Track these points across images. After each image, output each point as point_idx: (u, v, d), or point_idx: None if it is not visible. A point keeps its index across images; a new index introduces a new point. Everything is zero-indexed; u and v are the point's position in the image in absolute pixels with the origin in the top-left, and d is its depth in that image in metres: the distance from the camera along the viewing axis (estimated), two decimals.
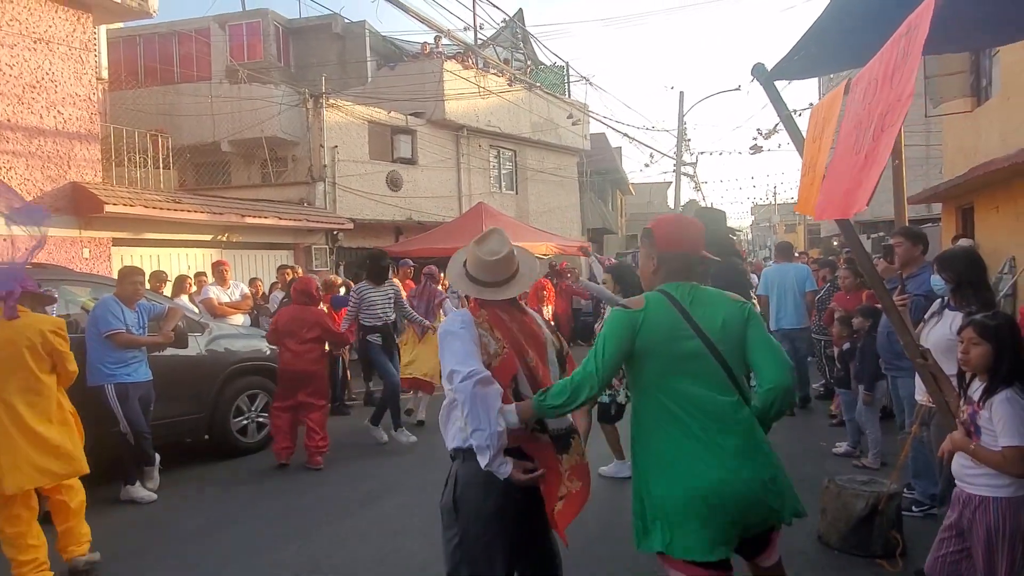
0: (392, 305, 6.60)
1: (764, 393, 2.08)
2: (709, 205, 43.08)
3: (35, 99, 8.22)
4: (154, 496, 4.97)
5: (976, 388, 2.39)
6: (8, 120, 7.92)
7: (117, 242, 9.11)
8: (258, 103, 13.04)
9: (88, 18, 8.88)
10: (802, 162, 2.58)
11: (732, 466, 1.98)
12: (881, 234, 18.03)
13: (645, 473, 2.07)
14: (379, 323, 6.47)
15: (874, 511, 3.46)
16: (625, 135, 21.53)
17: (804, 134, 2.65)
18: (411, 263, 9.78)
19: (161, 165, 10.90)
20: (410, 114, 14.77)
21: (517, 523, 2.18)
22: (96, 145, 9.04)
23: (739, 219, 68.57)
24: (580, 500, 2.23)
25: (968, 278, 3.11)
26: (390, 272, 9.38)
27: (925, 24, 1.40)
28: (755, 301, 9.31)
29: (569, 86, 20.56)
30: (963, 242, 8.77)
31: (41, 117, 8.26)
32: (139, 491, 4.93)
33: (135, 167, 10.53)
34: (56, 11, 8.47)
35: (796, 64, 2.79)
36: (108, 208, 8.38)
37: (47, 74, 8.35)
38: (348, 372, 8.48)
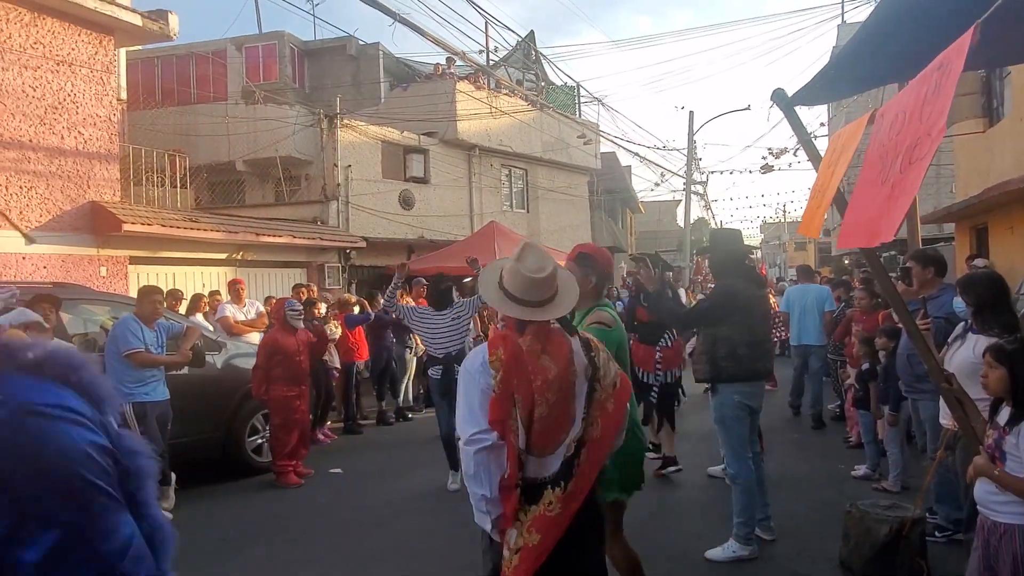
0: (460, 334, 5.65)
1: None
2: (720, 224, 43.05)
3: (57, 120, 8.38)
4: (169, 516, 4.98)
5: (1003, 413, 2.37)
6: (31, 140, 8.07)
7: (134, 260, 9.21)
8: (273, 123, 13.22)
9: (110, 41, 9.07)
10: (813, 186, 2.60)
11: None
12: (893, 253, 17.92)
13: None
14: (440, 355, 5.56)
15: (898, 536, 3.41)
16: (636, 154, 21.70)
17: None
18: (424, 281, 9.81)
19: (178, 184, 11.04)
20: (423, 134, 14.92)
21: None
22: (115, 165, 9.18)
23: (749, 238, 68.44)
24: (535, 555, 2.04)
25: (989, 301, 3.10)
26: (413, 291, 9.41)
27: (960, 61, 1.42)
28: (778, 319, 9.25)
29: (580, 106, 20.71)
30: (979, 262, 8.73)
31: (62, 138, 8.41)
32: None
33: (153, 186, 10.67)
34: (79, 34, 8.65)
35: (816, 90, 2.82)
36: (126, 227, 8.49)
37: (69, 95, 8.51)
38: (359, 390, 8.50)
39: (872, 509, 3.60)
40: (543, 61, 19.12)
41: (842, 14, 15.69)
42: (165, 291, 8.18)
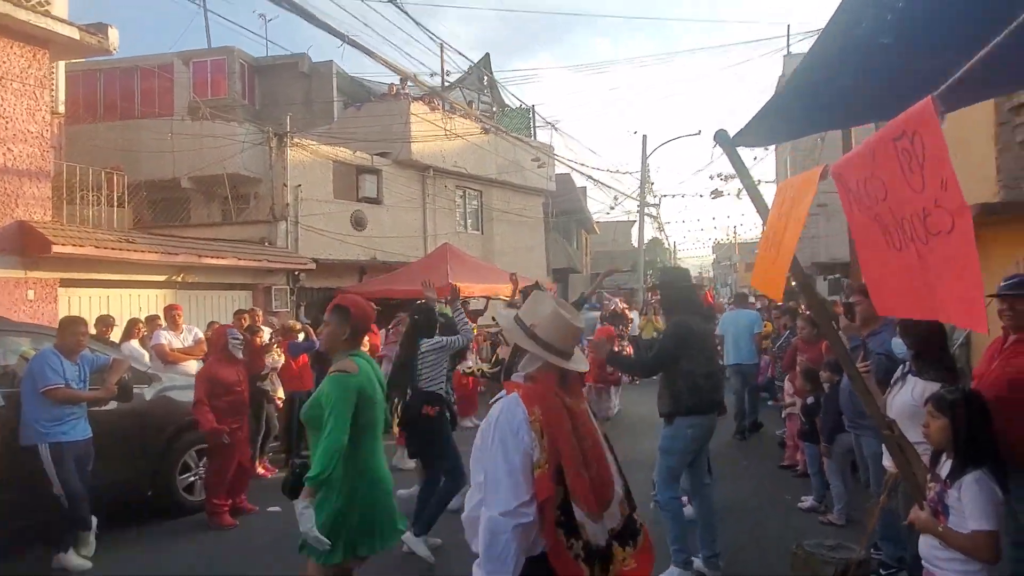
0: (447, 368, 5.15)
1: None
2: (673, 245, 43.65)
3: None
4: (88, 564, 4.62)
5: (944, 465, 2.36)
6: None
7: (65, 283, 8.73)
8: (221, 140, 12.85)
9: (44, 54, 8.65)
10: (763, 235, 2.57)
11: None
12: (838, 276, 18.50)
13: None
14: (440, 390, 4.99)
15: None
16: (590, 177, 21.91)
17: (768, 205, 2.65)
18: (375, 306, 9.60)
19: (115, 203, 10.57)
20: (376, 154, 14.73)
21: None
22: (47, 183, 8.71)
23: (701, 258, 70.02)
24: None
25: (928, 345, 3.13)
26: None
27: (933, 132, 1.41)
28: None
29: (535, 128, 20.87)
30: None
31: None
32: (72, 559, 4.58)
33: (88, 205, 10.19)
34: (11, 47, 8.23)
35: (755, 134, 2.81)
36: (56, 248, 8.04)
37: None
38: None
39: (818, 550, 3.59)
40: (497, 85, 19.22)
41: (787, 46, 16.27)
42: (97, 316, 7.80)
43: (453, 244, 13.96)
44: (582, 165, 24.32)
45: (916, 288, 1.70)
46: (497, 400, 2.04)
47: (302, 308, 12.39)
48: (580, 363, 2.07)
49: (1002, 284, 3.13)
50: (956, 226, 1.46)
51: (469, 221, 18.12)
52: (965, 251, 1.46)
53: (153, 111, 14.47)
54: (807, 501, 5.52)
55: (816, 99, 2.60)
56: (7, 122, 8.17)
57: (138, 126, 13.54)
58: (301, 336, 7.93)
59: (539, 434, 1.88)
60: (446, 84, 17.15)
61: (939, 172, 1.43)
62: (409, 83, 15.41)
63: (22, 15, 8.02)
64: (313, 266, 12.40)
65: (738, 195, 18.65)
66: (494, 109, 19.45)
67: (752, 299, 11.78)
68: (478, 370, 7.38)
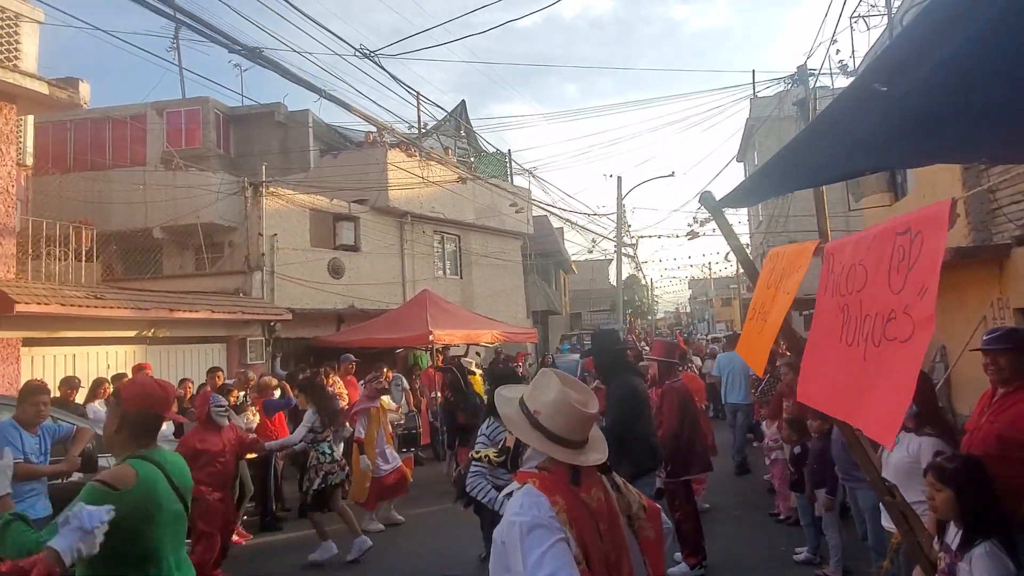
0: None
1: None
2: (650, 282, 43.92)
3: None
4: None
5: (952, 535, 2.28)
6: None
7: (28, 342, 8.40)
8: (195, 190, 12.70)
9: (12, 109, 8.51)
10: (751, 302, 2.52)
11: None
12: (811, 312, 18.74)
13: None
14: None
15: None
16: (568, 220, 22.06)
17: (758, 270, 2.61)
18: (352, 358, 9.40)
19: (83, 257, 10.30)
20: (353, 201, 14.68)
21: None
22: (11, 239, 8.47)
23: (678, 294, 70.65)
24: None
25: (928, 403, 3.09)
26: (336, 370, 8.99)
27: (938, 238, 1.35)
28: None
29: (511, 173, 21.07)
30: None
31: None
32: None
33: (54, 260, 9.91)
34: None
35: (741, 196, 2.80)
36: (19, 307, 7.75)
37: None
38: (281, 479, 7.88)
39: None
40: (473, 131, 19.44)
41: (753, 91, 16.76)
42: (61, 378, 7.48)
43: (432, 289, 13.85)
44: (560, 209, 24.51)
45: (846, 387, 1.64)
46: (509, 493, 1.80)
47: (278, 360, 12.10)
48: (595, 453, 1.77)
49: (985, 338, 3.12)
50: (915, 337, 1.39)
51: (448, 266, 18.07)
52: (911, 364, 1.39)
53: (125, 162, 14.31)
54: (802, 553, 5.39)
55: (801, 164, 2.60)
56: None
57: (109, 177, 13.34)
58: (277, 393, 7.69)
59: (568, 525, 1.64)
60: (423, 131, 17.28)
61: (924, 279, 1.38)
62: (386, 133, 15.51)
63: None
64: (289, 316, 12.17)
65: (714, 231, 18.91)
66: (472, 159, 19.62)
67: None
68: (484, 456, 7.22)
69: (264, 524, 7.26)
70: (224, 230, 13.07)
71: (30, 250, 9.53)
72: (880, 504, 3.50)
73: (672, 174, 26.08)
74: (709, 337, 24.02)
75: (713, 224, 22.16)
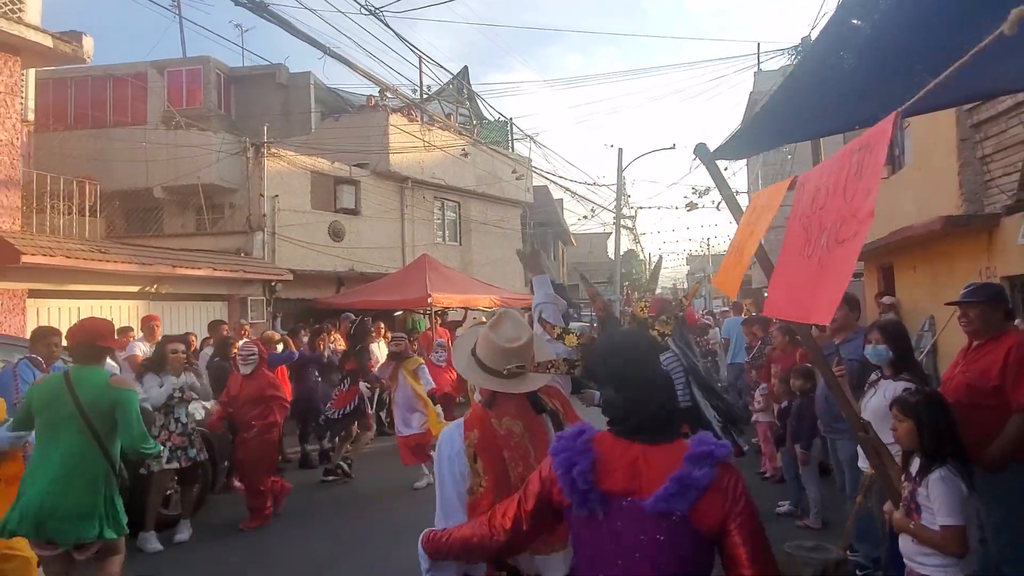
0: None
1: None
2: (648, 256, 44.02)
3: None
4: None
5: (915, 465, 2.45)
6: None
7: (34, 294, 8.53)
8: (196, 150, 12.71)
9: (16, 62, 8.52)
10: (732, 241, 2.66)
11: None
12: None
13: None
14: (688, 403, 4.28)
15: None
16: (567, 190, 22.09)
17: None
18: (353, 316, 9.56)
19: (87, 212, 10.38)
20: (354, 165, 14.70)
21: None
22: (16, 191, 8.54)
23: (676, 270, 70.73)
24: None
25: (905, 350, 3.25)
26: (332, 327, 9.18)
27: (882, 147, 1.47)
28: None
29: (513, 141, 21.02)
30: (886, 299, 9.29)
31: None
32: None
33: (59, 214, 9.99)
34: None
35: (735, 147, 2.91)
36: (25, 258, 7.87)
37: None
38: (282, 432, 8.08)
39: (798, 552, 3.66)
40: (475, 97, 19.33)
41: (758, 63, 16.66)
42: (66, 328, 7.63)
43: (431, 255, 13.97)
44: (560, 177, 24.47)
45: (801, 292, 1.78)
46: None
47: (278, 319, 12.26)
48: (521, 386, 1.98)
49: (960, 293, 3.28)
50: (858, 234, 1.53)
51: (447, 232, 18.14)
52: (852, 255, 1.54)
53: (126, 120, 14.26)
54: (784, 506, 5.62)
55: (794, 113, 2.71)
56: None
57: (110, 135, 13.33)
58: (280, 347, 7.86)
59: (472, 459, 1.89)
60: (425, 96, 17.20)
61: (869, 183, 1.51)
62: (388, 95, 15.45)
63: None
64: (290, 277, 12.30)
65: (717, 207, 18.94)
66: (473, 122, 19.54)
67: (744, 308, 12.38)
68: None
69: None
70: (225, 191, 13.12)
71: (34, 204, 9.60)
72: (857, 451, 3.69)
73: (673, 146, 26.03)
74: (705, 312, 24.22)
75: (712, 197, 22.21)
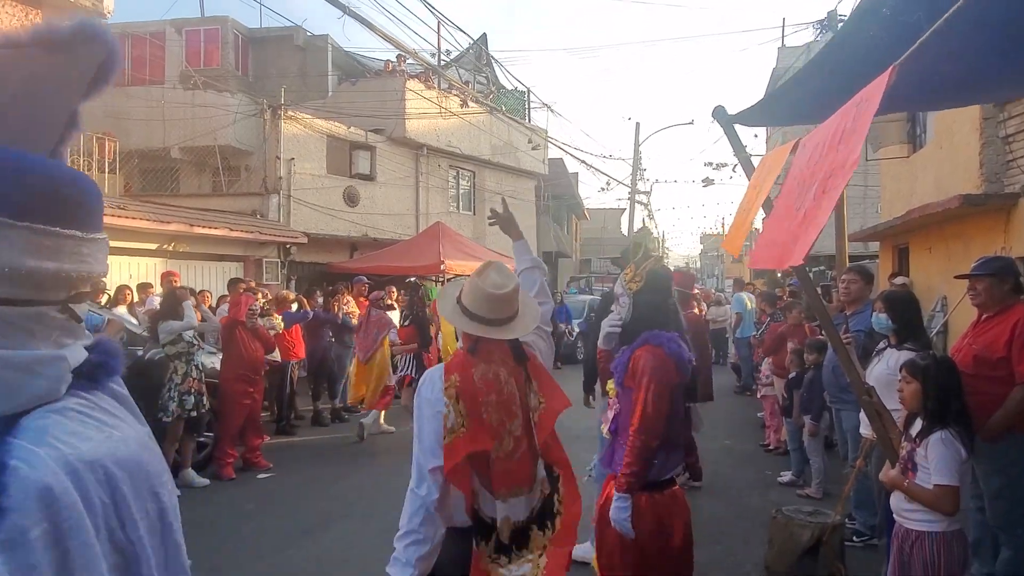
0: None
1: None
2: (662, 234, 43.55)
3: None
4: None
5: (916, 426, 2.50)
6: None
7: None
8: (213, 111, 12.75)
9: (37, 15, 8.53)
10: (740, 203, 2.69)
11: None
12: (822, 268, 18.81)
13: None
14: None
15: (819, 542, 3.56)
16: (583, 162, 21.97)
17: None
18: (365, 280, 9.67)
19: (106, 169, 10.49)
20: (370, 130, 14.68)
21: None
22: None
23: (689, 248, 70.33)
24: None
25: (909, 319, 3.28)
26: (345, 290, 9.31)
27: (876, 98, 1.49)
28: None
29: (529, 111, 20.85)
30: (898, 280, 9.25)
31: None
32: None
33: (79, 170, 10.10)
34: (2, 6, 8.12)
35: (753, 115, 2.91)
36: None
37: None
38: (295, 391, 8.26)
39: (796, 515, 3.74)
40: (494, 65, 19.14)
41: (782, 38, 16.34)
42: None
43: (445, 223, 14.01)
44: (576, 149, 24.31)
45: (785, 238, 1.82)
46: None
47: (292, 282, 12.41)
48: (504, 333, 2.01)
49: (971, 266, 3.30)
50: (841, 182, 1.57)
51: (462, 201, 18.14)
52: (833, 199, 1.58)
53: (144, 79, 14.29)
54: (786, 476, 5.71)
55: (816, 91, 2.70)
56: None
57: (128, 93, 13.36)
58: (295, 306, 7.98)
59: (454, 399, 1.93)
60: (443, 62, 17.06)
61: (859, 133, 1.53)
62: (407, 60, 15.33)
63: None
64: (305, 240, 12.40)
65: (733, 169, 18.69)
66: (492, 88, 19.37)
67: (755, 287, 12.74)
68: None
69: (279, 427, 7.68)
70: (241, 153, 13.17)
71: None
72: (860, 418, 3.74)
73: (691, 122, 25.69)
74: (716, 291, 24.19)
75: (729, 171, 21.95)
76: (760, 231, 2.94)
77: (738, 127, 3.06)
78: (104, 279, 7.88)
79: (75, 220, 0.79)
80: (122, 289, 7.59)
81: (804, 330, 6.26)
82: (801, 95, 2.81)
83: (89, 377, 0.82)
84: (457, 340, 6.90)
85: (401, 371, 7.30)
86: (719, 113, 2.95)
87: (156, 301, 7.30)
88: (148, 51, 14.70)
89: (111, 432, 0.79)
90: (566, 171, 26.04)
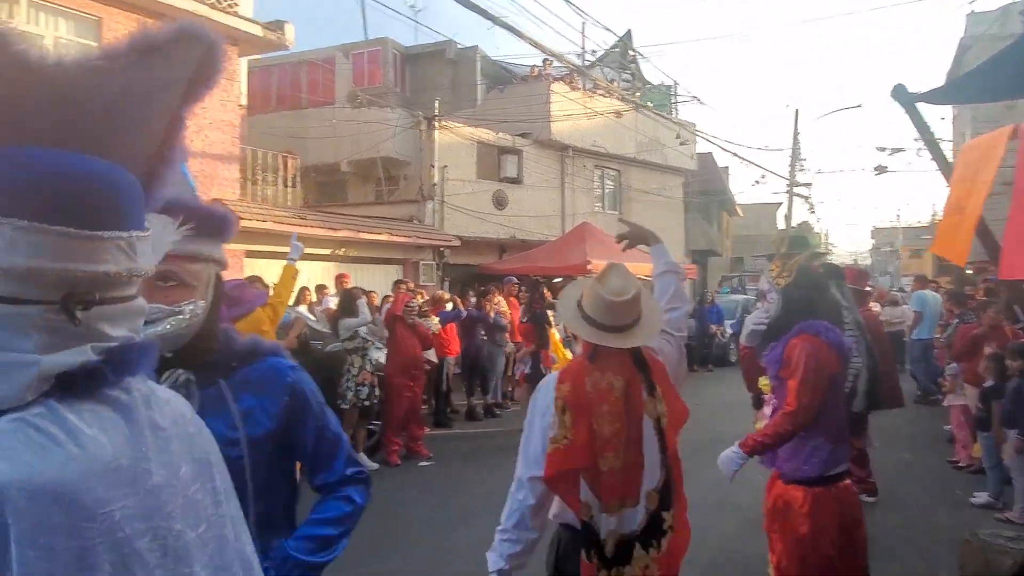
0: None
1: None
2: (825, 231, 40.27)
3: (188, 125, 9.13)
4: None
5: None
6: None
7: (250, 254, 9.91)
8: (376, 126, 13.81)
9: (235, 51, 9.79)
10: (947, 199, 2.43)
11: None
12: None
13: None
14: None
15: (1022, 571, 3.13)
16: (735, 155, 20.84)
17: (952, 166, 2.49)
18: (515, 280, 9.97)
19: (289, 184, 11.76)
20: (517, 135, 15.10)
21: None
22: (235, 165, 9.90)
23: (857, 243, 64.20)
24: None
25: None
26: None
27: None
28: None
29: (676, 105, 20.25)
30: None
31: (191, 140, 9.13)
32: None
33: (267, 185, 11.43)
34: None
35: (945, 93, 2.64)
36: (244, 223, 9.14)
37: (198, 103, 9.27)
38: (450, 386, 8.72)
39: (994, 540, 3.32)
40: (639, 60, 18.82)
41: (971, 2, 14.41)
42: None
43: (591, 223, 14.03)
44: (727, 142, 23.21)
45: None
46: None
47: (446, 283, 13.09)
48: (626, 341, 1.92)
49: None
50: None
51: (607, 201, 18.07)
52: None
53: (318, 101, 15.84)
54: (981, 497, 5.06)
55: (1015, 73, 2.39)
56: (204, 112, 9.36)
57: (305, 115, 14.90)
58: (449, 306, 8.43)
59: (560, 410, 1.89)
60: (587, 63, 17.11)
61: None
62: (552, 63, 15.58)
63: (217, 16, 9.13)
64: (458, 243, 13.04)
65: (917, 153, 16.77)
66: (638, 85, 19.09)
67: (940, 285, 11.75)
68: None
69: (436, 420, 8.16)
70: (400, 163, 14.14)
71: (248, 176, 11.07)
72: None
73: (859, 106, 23.46)
74: (894, 289, 21.90)
75: (906, 157, 19.72)
76: (988, 231, 2.55)
77: (921, 107, 2.79)
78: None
79: (75, 217, 0.75)
80: (302, 291, 8.48)
81: (1004, 332, 5.50)
82: (1007, 72, 2.49)
83: (71, 385, 0.76)
84: (565, 347, 6.82)
85: (518, 369, 7.43)
86: (899, 92, 2.71)
87: (330, 301, 8.08)
88: (321, 76, 16.26)
89: (53, 453, 0.72)
90: (716, 165, 24.94)
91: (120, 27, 8.47)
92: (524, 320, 7.63)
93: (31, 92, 0.76)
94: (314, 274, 10.71)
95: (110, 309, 0.80)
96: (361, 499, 1.48)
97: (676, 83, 20.41)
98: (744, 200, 32.02)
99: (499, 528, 2.00)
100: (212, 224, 1.30)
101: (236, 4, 9.66)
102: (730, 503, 4.76)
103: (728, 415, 7.10)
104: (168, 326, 1.22)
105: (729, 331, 14.15)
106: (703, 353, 13.63)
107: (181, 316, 1.23)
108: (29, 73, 0.74)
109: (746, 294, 20.00)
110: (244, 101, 12.73)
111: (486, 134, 14.59)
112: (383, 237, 11.60)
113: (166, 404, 0.87)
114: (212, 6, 9.12)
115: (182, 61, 0.85)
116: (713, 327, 13.88)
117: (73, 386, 0.76)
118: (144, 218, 0.85)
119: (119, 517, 0.75)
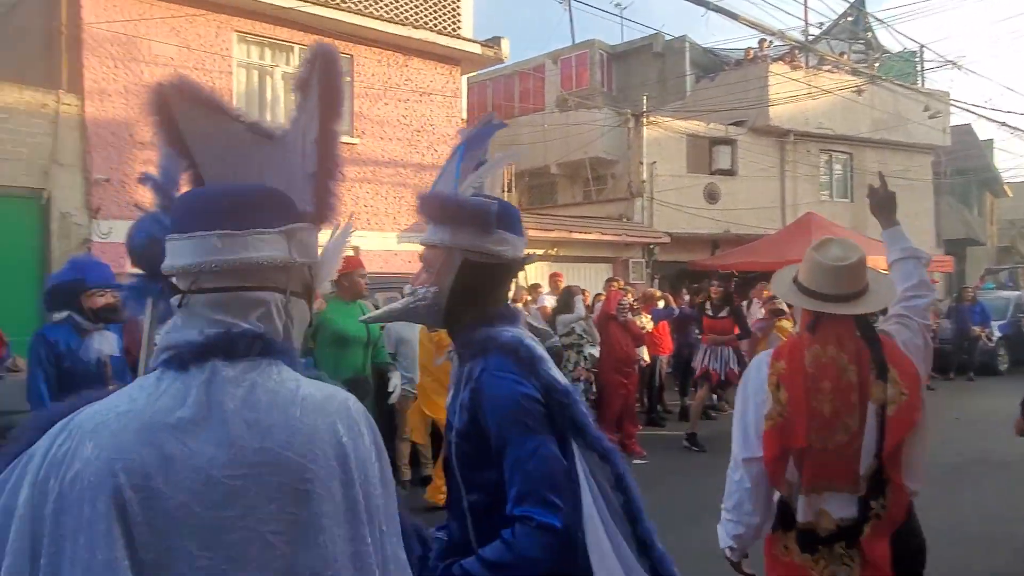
0: None
1: None
2: None
3: (419, 141, 10.21)
4: None
5: None
6: (401, 159, 10.01)
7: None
8: (583, 127, 14.10)
9: (457, 70, 10.69)
10: None
11: None
12: None
13: None
14: None
15: None
16: (1003, 124, 17.40)
17: None
18: (733, 275, 9.50)
19: (505, 189, 12.52)
20: (730, 124, 14.35)
21: None
22: None
23: None
24: None
25: None
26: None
27: None
28: None
29: (923, 74, 17.63)
30: None
31: (423, 155, 10.22)
32: None
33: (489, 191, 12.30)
34: (436, 68, 10.40)
35: None
36: None
37: (427, 120, 10.30)
38: (663, 384, 8.60)
39: None
40: (875, 26, 16.74)
41: None
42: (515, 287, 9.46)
43: (817, 213, 12.84)
44: (992, 110, 19.62)
45: None
46: None
47: (656, 281, 12.91)
48: (850, 308, 1.80)
49: None
50: None
51: (836, 188, 16.37)
52: None
53: (529, 108, 16.61)
54: None
55: None
56: (433, 128, 10.37)
57: (517, 123, 15.71)
58: (661, 304, 8.33)
59: (775, 387, 1.81)
60: (810, 38, 15.67)
61: None
62: (770, 43, 14.56)
63: (443, 40, 10.06)
64: (667, 240, 12.79)
65: None
66: (875, 56, 17.00)
67: None
68: None
69: (649, 419, 8.11)
70: (607, 162, 14.26)
71: None
72: None
73: None
74: None
75: None
76: None
77: None
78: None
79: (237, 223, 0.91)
80: (518, 290, 8.98)
81: None
82: None
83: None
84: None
85: (709, 364, 7.04)
86: None
87: (545, 299, 8.45)
88: (532, 84, 17.02)
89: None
90: (976, 139, 21.25)
91: (368, 61, 9.72)
92: (721, 315, 7.28)
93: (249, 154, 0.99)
94: (528, 274, 11.29)
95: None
96: (524, 547, 1.24)
97: (923, 47, 17.72)
98: (1014, 178, 26.80)
99: (723, 506, 2.00)
100: (462, 215, 1.40)
101: (459, 26, 10.53)
102: (1003, 532, 4.07)
103: (994, 432, 6.05)
104: (398, 305, 1.50)
105: (997, 334, 12.01)
106: (962, 359, 11.72)
107: (410, 297, 1.45)
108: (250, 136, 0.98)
109: (1019, 289, 16.78)
110: (464, 115, 13.85)
111: (697, 126, 14.10)
112: (593, 236, 11.81)
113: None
114: (439, 32, 10.05)
115: (312, 85, 0.97)
116: (975, 329, 11.85)
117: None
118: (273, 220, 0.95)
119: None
